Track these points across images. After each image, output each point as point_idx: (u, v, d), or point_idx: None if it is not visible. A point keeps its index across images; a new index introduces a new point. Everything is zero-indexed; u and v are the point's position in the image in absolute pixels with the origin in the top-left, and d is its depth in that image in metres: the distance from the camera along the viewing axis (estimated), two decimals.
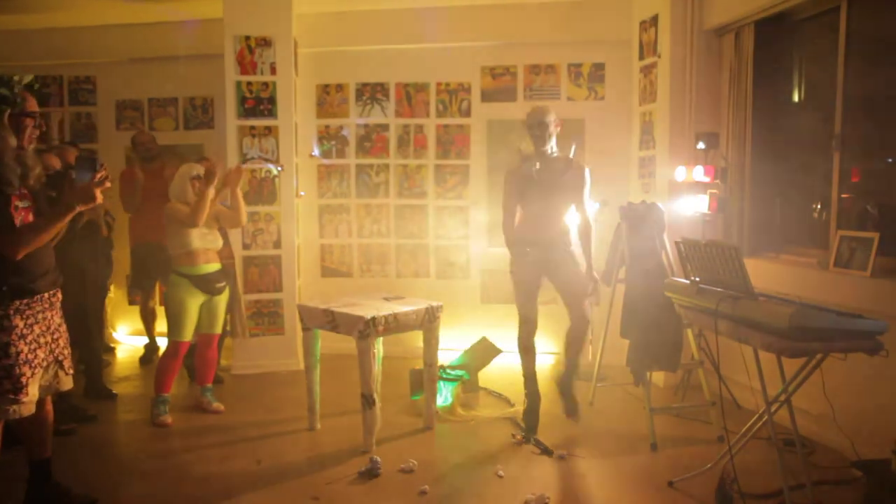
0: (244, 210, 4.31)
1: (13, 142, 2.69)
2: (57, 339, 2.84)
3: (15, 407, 2.65)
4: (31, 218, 2.73)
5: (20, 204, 2.71)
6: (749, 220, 4.42)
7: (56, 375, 2.86)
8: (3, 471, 3.26)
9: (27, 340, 2.68)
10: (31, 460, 2.97)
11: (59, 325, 2.88)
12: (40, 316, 2.75)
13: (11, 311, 2.64)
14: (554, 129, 3.83)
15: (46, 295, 2.79)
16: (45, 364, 2.76)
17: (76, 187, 2.70)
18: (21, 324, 2.66)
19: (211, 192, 4.03)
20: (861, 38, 3.67)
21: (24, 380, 2.65)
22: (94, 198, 2.69)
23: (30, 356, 2.68)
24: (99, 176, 2.70)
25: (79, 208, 2.70)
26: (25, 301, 2.69)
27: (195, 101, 6.07)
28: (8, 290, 2.64)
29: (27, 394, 2.67)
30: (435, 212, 5.71)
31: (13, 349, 2.62)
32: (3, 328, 2.62)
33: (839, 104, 3.72)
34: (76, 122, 6.17)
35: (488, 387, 4.65)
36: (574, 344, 3.92)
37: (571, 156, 3.92)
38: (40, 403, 2.86)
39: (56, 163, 4.00)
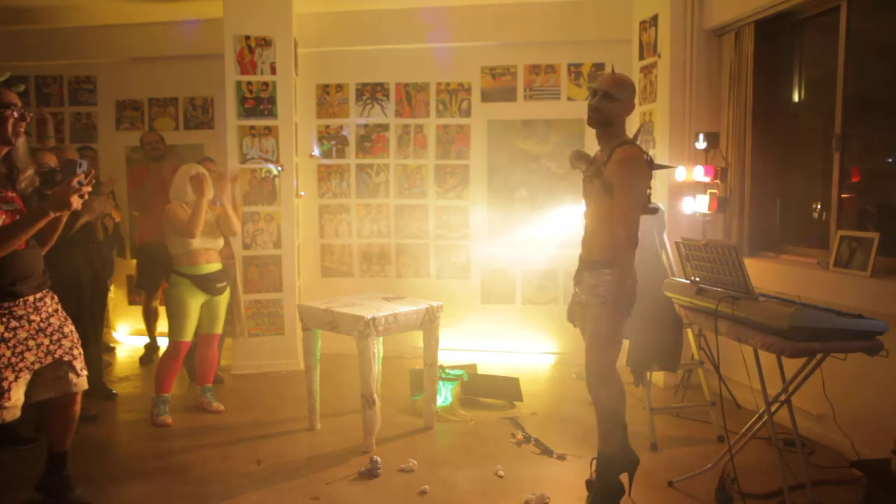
0: (235, 220, 4.28)
1: None
2: (59, 341, 2.79)
3: None
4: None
5: (4, 206, 2.62)
6: (749, 220, 4.42)
7: (67, 377, 2.82)
8: (9, 466, 3.28)
9: (10, 344, 2.62)
10: (49, 451, 2.98)
11: (61, 327, 2.81)
12: (24, 320, 2.68)
13: None
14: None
15: (31, 298, 2.71)
16: (34, 367, 2.70)
17: (53, 192, 2.60)
18: (1, 328, 2.61)
19: (205, 203, 4.03)
20: (861, 38, 3.67)
21: (5, 384, 2.59)
22: (68, 204, 2.57)
23: (13, 360, 2.62)
24: (75, 181, 2.57)
25: (52, 214, 2.60)
26: (6, 305, 2.62)
27: (195, 101, 6.07)
28: None
29: (10, 398, 2.61)
30: (435, 212, 5.71)
31: None
32: None
33: (839, 104, 3.72)
34: (76, 122, 6.18)
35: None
36: (599, 428, 2.90)
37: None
38: (67, 403, 2.85)
39: (53, 162, 3.99)
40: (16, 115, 2.66)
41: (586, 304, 2.85)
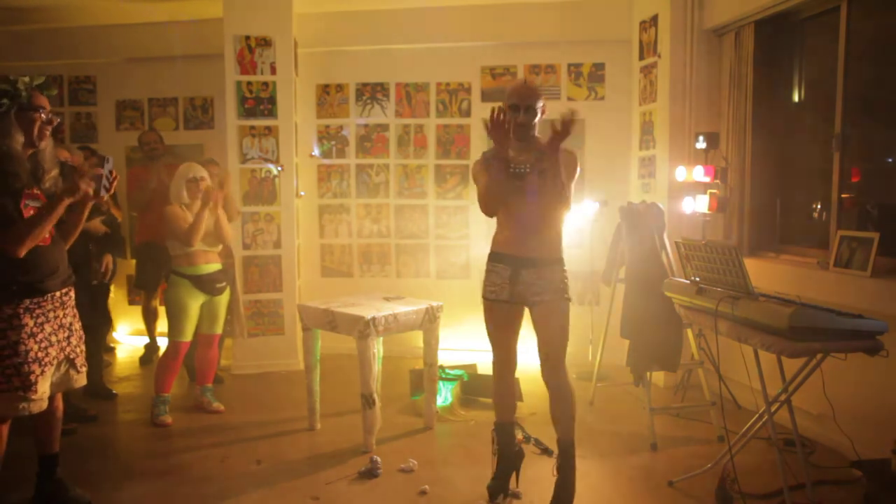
0: (227, 228, 4.25)
1: (20, 138, 2.68)
2: (69, 338, 2.85)
3: (25, 404, 2.67)
4: None
5: (31, 203, 2.69)
6: (749, 221, 4.42)
7: (67, 373, 2.87)
8: (10, 465, 3.27)
9: (37, 339, 2.69)
10: (39, 455, 2.99)
11: (72, 324, 2.88)
12: (51, 315, 2.75)
13: (21, 310, 2.65)
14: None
15: (58, 294, 2.79)
16: (55, 362, 2.77)
17: (68, 179, 2.70)
18: (31, 322, 2.67)
19: (206, 212, 4.03)
20: (861, 38, 3.67)
21: (33, 377, 2.66)
22: (77, 188, 2.65)
23: (40, 354, 2.69)
24: (98, 171, 2.67)
25: (67, 200, 2.67)
26: (36, 300, 2.70)
27: (195, 101, 6.07)
28: (18, 289, 2.65)
29: (36, 391, 2.68)
30: (435, 212, 5.71)
31: (22, 347, 2.64)
32: (13, 327, 2.63)
33: (839, 104, 3.72)
34: (76, 122, 6.18)
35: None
36: (560, 420, 2.96)
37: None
38: (50, 400, 2.87)
39: (66, 157, 3.99)
40: (43, 117, 2.74)
41: (539, 301, 2.92)
